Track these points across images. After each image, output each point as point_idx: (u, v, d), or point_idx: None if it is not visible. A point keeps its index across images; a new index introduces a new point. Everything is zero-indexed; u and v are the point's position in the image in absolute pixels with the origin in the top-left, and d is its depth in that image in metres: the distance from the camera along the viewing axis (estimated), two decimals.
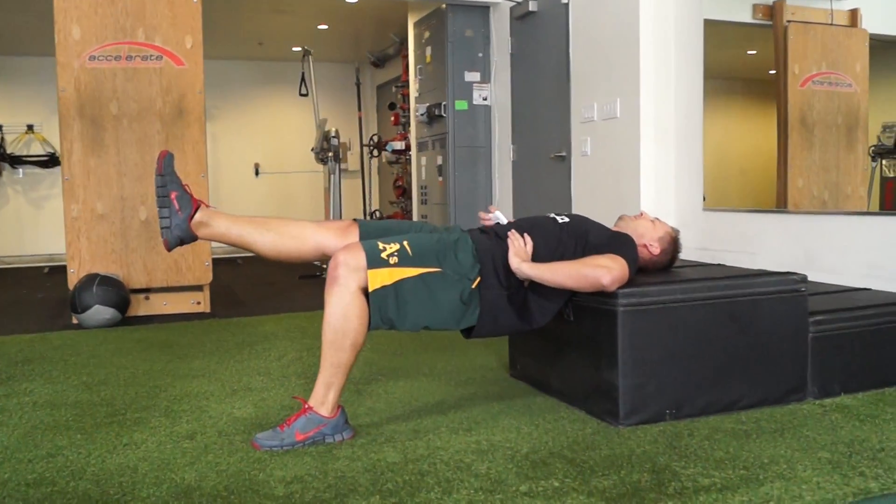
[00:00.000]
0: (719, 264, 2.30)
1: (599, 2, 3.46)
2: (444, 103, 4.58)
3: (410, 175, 5.45)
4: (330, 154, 5.05)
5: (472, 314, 1.69)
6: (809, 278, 2.00)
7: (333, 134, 5.08)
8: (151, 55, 3.42)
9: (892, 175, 2.75)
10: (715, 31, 3.15)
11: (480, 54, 4.56)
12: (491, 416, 1.80)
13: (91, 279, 3.22)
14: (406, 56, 5.48)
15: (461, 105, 4.54)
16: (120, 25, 3.38)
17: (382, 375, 2.24)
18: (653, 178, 3.27)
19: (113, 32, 3.37)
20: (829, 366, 1.92)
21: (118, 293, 3.24)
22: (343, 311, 1.58)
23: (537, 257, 1.74)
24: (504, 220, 1.90)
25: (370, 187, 7.60)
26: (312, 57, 5.55)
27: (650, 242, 1.91)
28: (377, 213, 7.42)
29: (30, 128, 7.11)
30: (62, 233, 3.38)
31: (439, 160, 4.73)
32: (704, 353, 1.78)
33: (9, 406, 1.99)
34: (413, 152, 5.26)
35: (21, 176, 7.19)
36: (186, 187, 1.70)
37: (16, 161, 7.10)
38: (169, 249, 1.69)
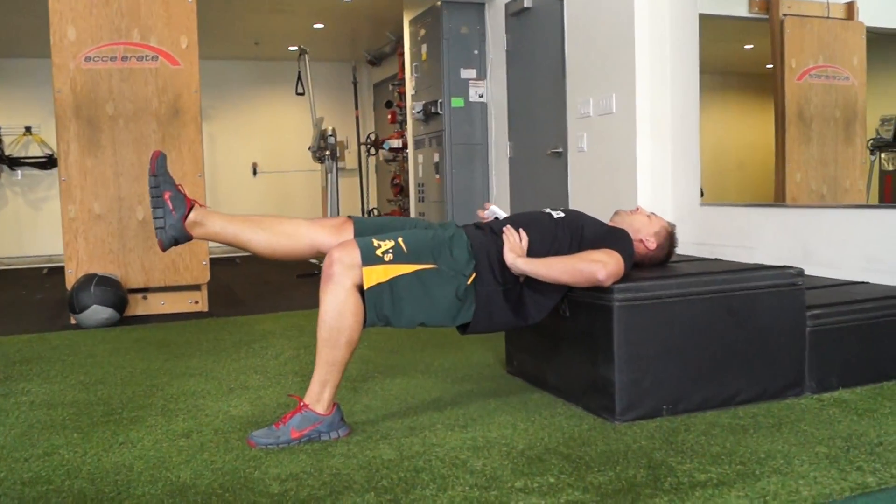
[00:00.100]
0: (715, 259, 2.30)
1: None
2: (440, 101, 4.58)
3: (408, 173, 5.45)
4: (327, 153, 5.05)
5: (468, 310, 1.69)
6: (807, 272, 2.00)
7: (330, 132, 5.08)
8: (147, 55, 3.42)
9: (890, 168, 2.75)
10: (711, 25, 3.15)
11: (476, 51, 4.55)
12: (487, 413, 1.80)
13: (89, 279, 3.23)
14: (402, 54, 5.48)
15: (457, 102, 4.54)
16: (115, 26, 3.37)
17: (379, 373, 2.25)
18: (649, 174, 3.27)
19: (108, 33, 3.37)
20: (827, 360, 1.91)
21: (116, 293, 3.24)
22: (338, 308, 1.58)
23: (532, 252, 1.73)
24: (502, 214, 1.91)
25: (368, 186, 7.59)
26: (309, 56, 5.55)
27: (646, 237, 1.91)
28: (375, 212, 7.41)
29: (28, 129, 7.11)
30: (60, 234, 3.39)
31: (436, 158, 4.73)
32: (701, 348, 1.78)
33: (6, 406, 1.99)
34: (410, 150, 5.25)
35: (20, 178, 7.20)
36: (180, 187, 1.70)
37: (14, 163, 7.11)
38: (164, 249, 1.69)
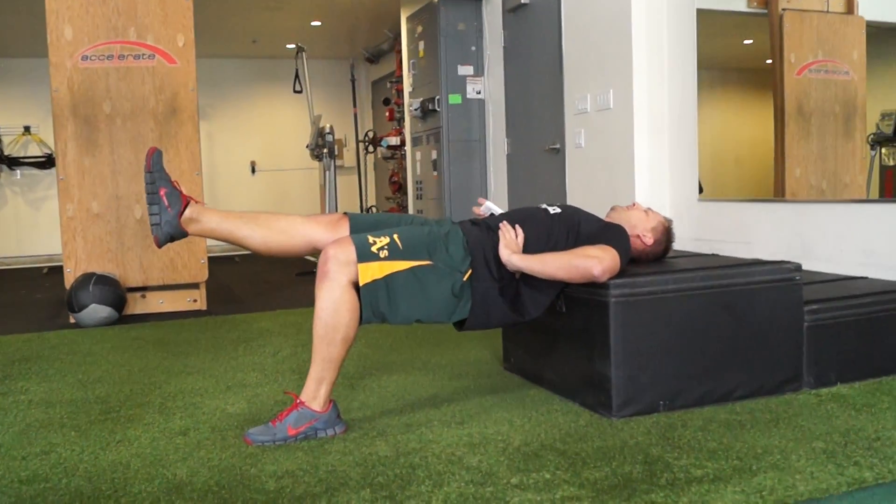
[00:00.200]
0: (713, 254, 2.30)
1: None
2: (437, 97, 4.57)
3: (406, 170, 5.44)
4: (325, 150, 5.05)
5: (464, 307, 1.69)
6: (806, 267, 2.00)
7: (328, 130, 5.08)
8: (144, 54, 3.42)
9: (891, 163, 2.74)
10: (710, 20, 3.14)
11: (473, 48, 4.55)
12: (484, 410, 1.80)
13: (87, 278, 3.23)
14: (400, 51, 5.47)
15: (455, 99, 4.54)
16: (112, 25, 3.37)
17: (376, 370, 2.25)
18: (647, 169, 3.26)
19: (105, 32, 3.37)
20: (825, 355, 1.91)
21: (114, 292, 3.25)
22: (334, 305, 1.58)
23: (528, 249, 1.73)
24: (497, 211, 1.90)
25: (366, 183, 7.58)
26: (307, 54, 5.55)
27: (643, 233, 1.90)
28: (374, 209, 7.41)
29: (27, 129, 7.11)
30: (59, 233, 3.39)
31: (434, 155, 4.73)
32: (698, 344, 1.78)
33: (5, 404, 2.00)
34: (408, 147, 5.25)
35: (19, 177, 7.20)
36: (176, 184, 1.70)
37: (13, 162, 7.11)
38: (160, 246, 1.69)
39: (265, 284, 4.60)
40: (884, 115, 2.73)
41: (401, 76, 5.49)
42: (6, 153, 7.10)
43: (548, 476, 1.38)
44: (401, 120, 5.77)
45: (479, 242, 1.73)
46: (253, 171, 7.78)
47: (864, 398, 1.79)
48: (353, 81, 7.17)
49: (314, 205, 6.73)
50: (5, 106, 7.08)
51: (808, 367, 1.89)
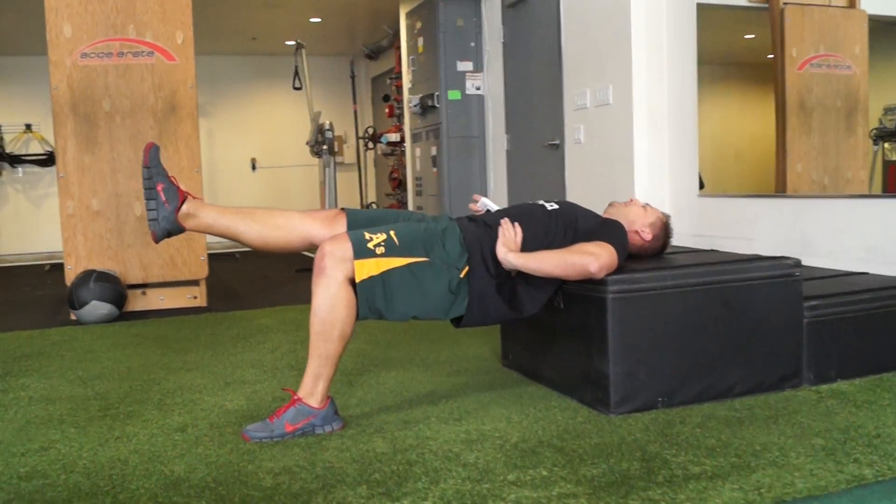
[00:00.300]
0: (712, 250, 2.29)
1: None
2: (437, 94, 4.56)
3: (406, 167, 5.44)
4: (324, 147, 5.05)
5: (461, 304, 1.69)
6: (807, 263, 1.99)
7: (327, 127, 5.08)
8: (143, 51, 3.41)
9: (894, 158, 2.72)
10: (710, 15, 3.12)
11: (472, 44, 4.53)
12: (481, 406, 1.80)
13: (88, 275, 3.24)
14: (399, 48, 5.45)
15: (454, 95, 4.53)
16: (111, 22, 3.37)
17: (374, 366, 2.25)
18: (646, 165, 3.25)
19: (104, 29, 3.37)
20: (825, 351, 1.90)
21: (115, 289, 3.26)
22: (330, 301, 1.58)
23: (525, 245, 1.73)
24: (494, 207, 1.90)
25: (366, 180, 7.58)
26: (306, 51, 5.54)
27: (641, 228, 1.90)
28: (374, 206, 7.41)
29: (28, 127, 7.12)
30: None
31: (433, 151, 4.72)
32: (697, 340, 1.77)
33: (5, 401, 2.01)
34: (407, 144, 5.24)
35: (20, 175, 7.22)
36: (173, 179, 1.70)
37: (15, 160, 7.13)
38: (157, 241, 1.70)
39: (265, 281, 4.61)
40: (887, 110, 2.72)
41: (400, 72, 5.48)
42: (8, 151, 7.12)
43: (545, 473, 1.37)
44: (400, 116, 5.76)
45: (477, 239, 1.73)
46: (253, 168, 7.79)
47: (864, 395, 1.78)
48: (352, 78, 7.16)
49: (314, 201, 6.73)
50: (7, 104, 7.10)
51: (808, 364, 1.88)
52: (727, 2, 3.24)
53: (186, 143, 3.48)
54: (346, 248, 1.61)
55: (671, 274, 1.77)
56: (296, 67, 5.61)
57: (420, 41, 4.80)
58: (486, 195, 4.26)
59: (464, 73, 4.54)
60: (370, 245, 1.62)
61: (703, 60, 3.13)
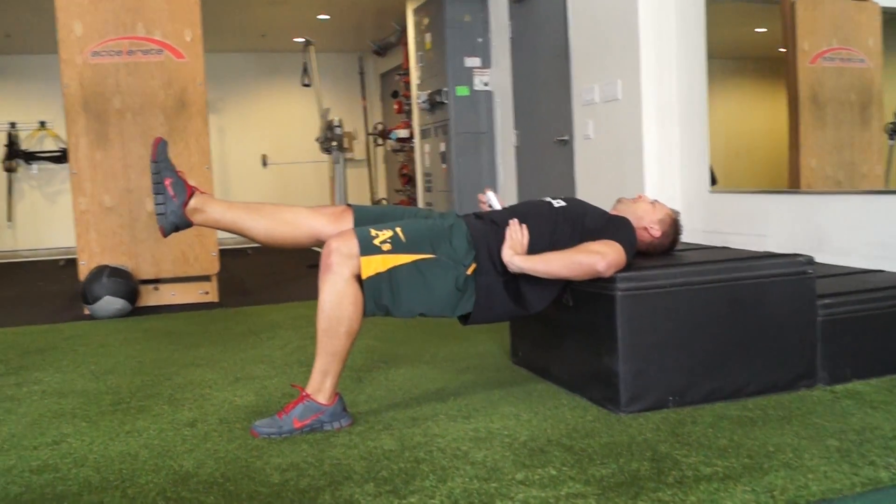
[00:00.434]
0: (723, 247, 2.27)
1: None
2: (444, 90, 4.55)
3: (415, 163, 5.43)
4: (334, 143, 5.06)
5: (468, 301, 1.69)
6: (821, 260, 1.95)
7: (336, 123, 5.08)
8: (152, 49, 3.44)
9: None
10: (721, 9, 3.08)
11: (480, 39, 4.51)
12: (490, 404, 1.79)
13: (101, 271, 3.28)
14: (407, 44, 5.44)
15: (462, 91, 4.51)
16: (120, 21, 3.40)
17: (383, 363, 2.25)
18: (656, 160, 3.22)
19: (114, 28, 3.39)
20: (840, 350, 1.86)
21: (127, 284, 3.29)
22: (337, 298, 1.58)
23: (532, 244, 1.71)
24: (498, 205, 1.88)
25: (376, 176, 7.58)
26: (315, 47, 5.54)
27: (650, 225, 1.88)
28: (384, 202, 7.41)
29: (42, 124, 7.21)
30: None
31: (442, 147, 4.71)
32: (708, 339, 1.75)
33: (18, 395, 2.04)
34: (416, 140, 5.24)
35: (35, 172, 7.31)
36: (181, 174, 1.71)
37: (30, 157, 7.22)
38: (165, 235, 1.71)
39: (276, 277, 4.63)
40: None
41: (408, 69, 5.47)
42: (23, 148, 7.21)
43: (553, 472, 1.36)
44: (409, 112, 5.75)
45: (483, 236, 1.72)
46: (264, 164, 7.82)
47: (880, 395, 1.74)
48: (361, 74, 7.16)
49: (325, 197, 6.76)
50: (22, 102, 7.18)
51: (822, 363, 1.84)
52: None
53: (196, 139, 3.51)
54: (353, 244, 1.61)
55: (681, 271, 1.75)
56: (304, 64, 5.62)
57: (427, 37, 4.79)
58: (495, 191, 4.24)
59: (471, 69, 4.52)
60: (376, 242, 1.62)
61: (714, 55, 3.09)
